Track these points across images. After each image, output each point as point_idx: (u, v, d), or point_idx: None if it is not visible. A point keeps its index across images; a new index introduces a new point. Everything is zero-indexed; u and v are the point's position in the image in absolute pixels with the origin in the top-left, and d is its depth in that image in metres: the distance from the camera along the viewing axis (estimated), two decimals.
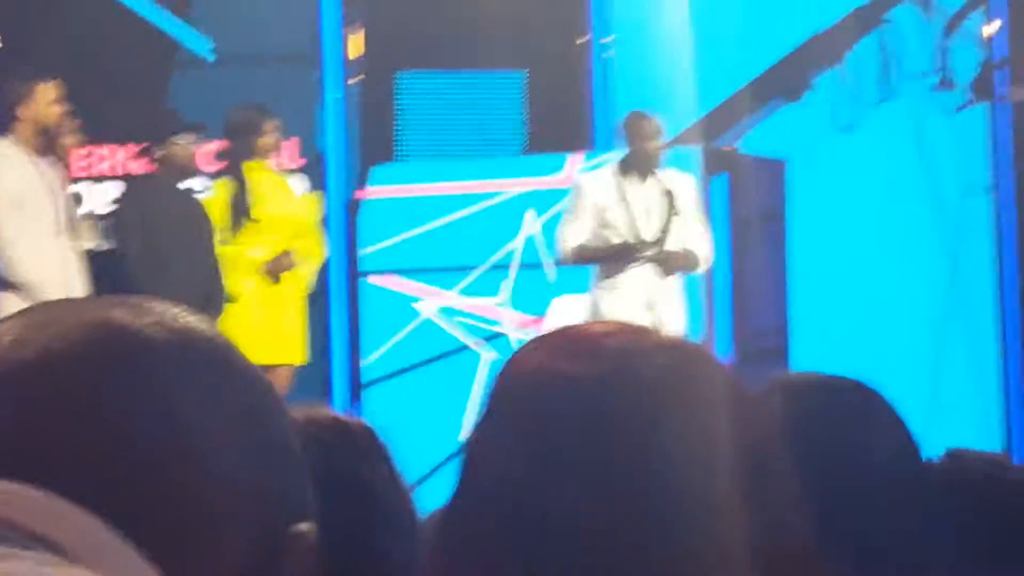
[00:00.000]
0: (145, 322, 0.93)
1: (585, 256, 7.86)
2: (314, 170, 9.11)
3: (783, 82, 9.32)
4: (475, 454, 1.23)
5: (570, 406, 1.18)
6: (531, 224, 8.79)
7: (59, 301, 1.01)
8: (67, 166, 7.80)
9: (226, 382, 0.94)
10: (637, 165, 7.87)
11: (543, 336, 1.27)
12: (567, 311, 8.44)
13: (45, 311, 0.95)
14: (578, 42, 9.45)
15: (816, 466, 1.67)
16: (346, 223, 8.95)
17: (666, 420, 1.17)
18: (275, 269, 7.82)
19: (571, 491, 1.15)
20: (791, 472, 1.23)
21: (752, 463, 1.20)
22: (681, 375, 1.19)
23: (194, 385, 0.92)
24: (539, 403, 1.19)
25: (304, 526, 0.94)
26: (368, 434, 1.83)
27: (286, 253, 7.88)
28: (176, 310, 0.96)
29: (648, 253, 7.74)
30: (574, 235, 7.85)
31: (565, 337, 1.25)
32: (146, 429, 0.90)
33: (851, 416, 1.77)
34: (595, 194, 7.85)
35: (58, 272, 7.07)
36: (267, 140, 7.99)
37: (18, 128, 7.16)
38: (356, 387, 8.81)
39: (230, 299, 7.77)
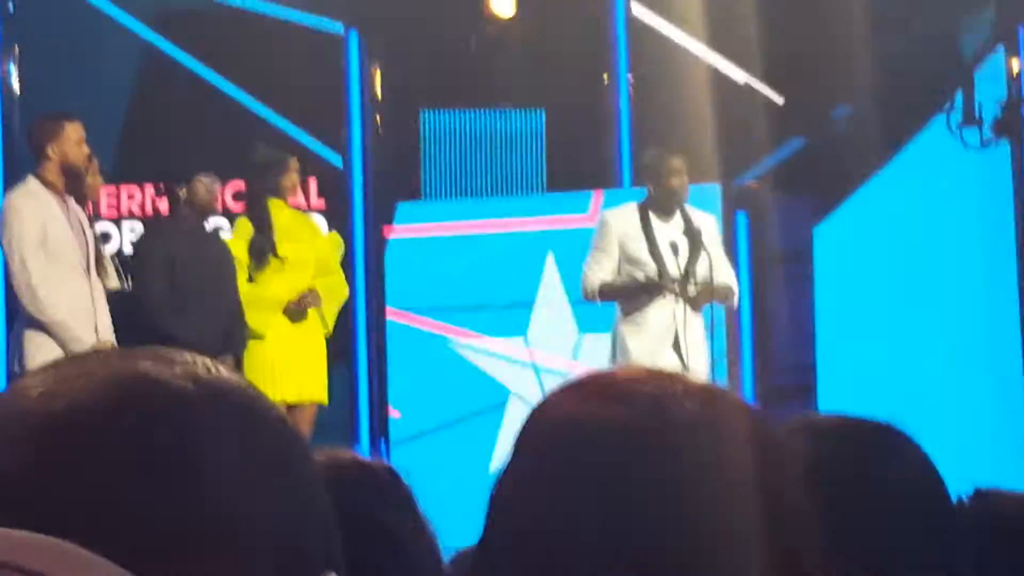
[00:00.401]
0: (173, 374, 0.94)
1: (610, 292, 7.86)
2: (334, 210, 9.14)
3: (807, 118, 9.32)
4: (505, 499, 1.23)
5: (602, 452, 1.18)
6: (554, 262, 8.79)
7: (89, 353, 1.02)
8: (93, 205, 7.84)
9: (254, 433, 0.95)
10: (661, 202, 7.87)
11: (573, 381, 1.27)
12: (595, 351, 8.43)
13: (75, 364, 0.96)
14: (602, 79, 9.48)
15: (843, 508, 1.67)
16: (371, 262, 8.97)
17: (696, 465, 1.18)
18: (300, 307, 7.83)
19: (603, 536, 1.15)
20: (817, 515, 1.23)
21: (778, 508, 1.20)
22: (710, 421, 1.20)
23: (222, 436, 0.93)
24: (572, 449, 1.19)
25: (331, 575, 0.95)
26: (391, 477, 1.83)
27: (311, 291, 7.90)
28: (204, 361, 0.97)
29: (674, 288, 7.74)
30: (599, 271, 7.85)
31: (595, 383, 1.25)
32: (173, 481, 0.90)
33: (878, 458, 1.77)
34: (620, 230, 7.86)
35: (85, 311, 7.10)
36: (290, 178, 8.02)
37: (45, 167, 7.20)
38: (383, 426, 8.81)
39: (254, 337, 7.79)
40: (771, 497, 1.20)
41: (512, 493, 1.22)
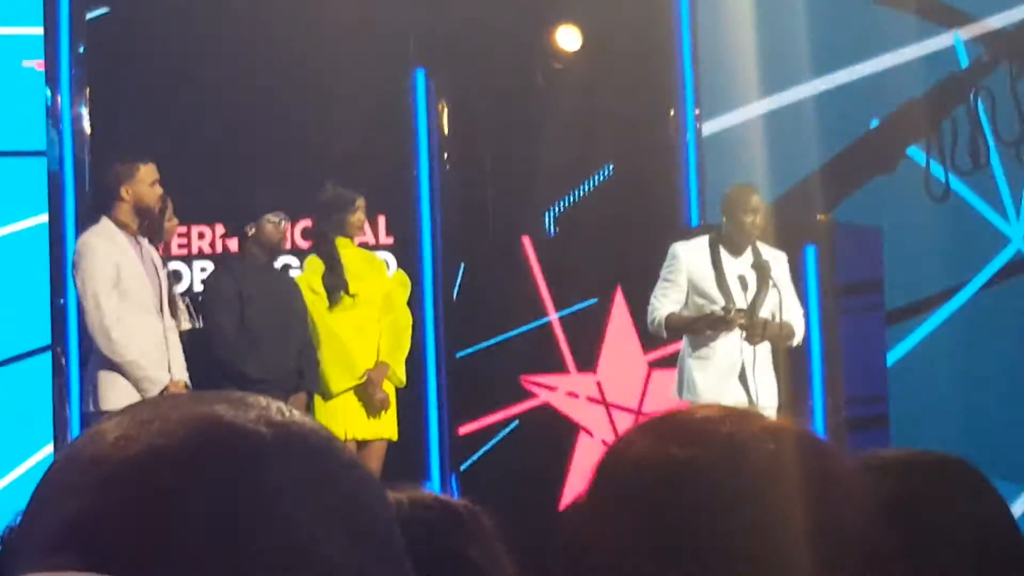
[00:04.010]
0: (248, 417, 0.94)
1: (677, 325, 7.83)
2: (403, 248, 9.14)
3: (877, 152, 9.27)
4: (580, 536, 1.23)
5: (684, 492, 1.18)
6: (622, 295, 8.77)
7: (164, 397, 1.03)
8: (166, 245, 7.92)
9: (327, 475, 0.95)
10: (734, 237, 7.85)
11: (648, 421, 1.27)
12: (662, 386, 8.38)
13: (150, 407, 0.96)
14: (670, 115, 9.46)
15: (919, 546, 1.66)
16: (439, 299, 8.98)
17: (775, 505, 1.17)
18: (371, 392, 7.86)
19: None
20: (893, 554, 1.23)
21: (855, 546, 1.20)
22: (788, 461, 1.20)
23: (296, 479, 0.93)
24: (653, 489, 1.19)
25: None
26: (473, 514, 1.84)
27: (381, 367, 7.91)
28: (277, 404, 0.97)
29: (741, 322, 7.71)
30: (667, 303, 7.83)
31: (671, 423, 1.25)
32: (249, 524, 0.91)
33: (947, 496, 1.76)
34: (689, 262, 7.83)
35: (158, 350, 7.16)
36: (357, 217, 8.07)
37: (119, 208, 7.27)
38: (451, 462, 8.80)
39: (327, 393, 7.82)
40: (847, 534, 1.19)
41: (591, 533, 1.21)
